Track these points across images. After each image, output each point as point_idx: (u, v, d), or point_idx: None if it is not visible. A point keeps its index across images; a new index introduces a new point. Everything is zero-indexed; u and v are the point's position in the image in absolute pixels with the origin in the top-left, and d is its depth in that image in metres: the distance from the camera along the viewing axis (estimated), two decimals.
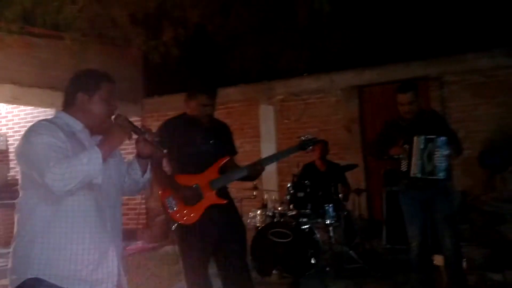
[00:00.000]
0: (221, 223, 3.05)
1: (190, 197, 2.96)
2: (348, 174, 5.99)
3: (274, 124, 7.77)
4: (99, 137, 1.99)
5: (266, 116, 7.84)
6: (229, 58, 7.89)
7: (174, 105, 8.43)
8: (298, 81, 7.68)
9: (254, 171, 3.09)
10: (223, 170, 3.09)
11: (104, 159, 1.82)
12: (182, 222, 3.00)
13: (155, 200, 8.52)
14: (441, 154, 3.58)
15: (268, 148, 7.47)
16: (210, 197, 3.01)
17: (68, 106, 1.98)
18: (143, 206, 8.56)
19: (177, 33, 6.55)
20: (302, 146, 3.28)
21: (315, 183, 5.23)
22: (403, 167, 3.73)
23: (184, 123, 3.17)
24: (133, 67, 8.35)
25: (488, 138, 6.42)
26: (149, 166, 2.13)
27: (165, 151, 2.07)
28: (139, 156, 2.07)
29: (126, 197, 8.61)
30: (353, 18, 7.25)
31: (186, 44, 6.83)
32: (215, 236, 3.04)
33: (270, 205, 5.93)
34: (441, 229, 3.72)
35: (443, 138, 3.60)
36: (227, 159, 3.13)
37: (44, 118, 2.04)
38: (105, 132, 1.97)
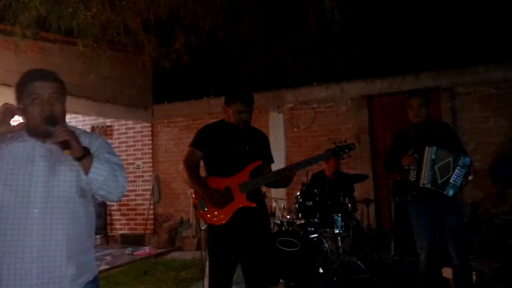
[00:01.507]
0: (250, 227, 3.10)
1: (219, 199, 3.02)
2: (357, 184, 5.98)
3: (283, 132, 7.77)
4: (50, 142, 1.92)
5: (276, 124, 7.84)
6: (239, 66, 7.91)
7: (184, 111, 8.54)
8: (308, 90, 7.70)
9: (284, 177, 3.10)
10: (254, 175, 3.14)
11: None
12: (211, 222, 3.07)
13: (163, 206, 8.55)
14: (460, 173, 3.58)
15: (277, 156, 7.38)
16: (240, 200, 3.07)
17: None
18: (151, 211, 8.59)
19: (188, 40, 6.58)
20: (337, 152, 3.29)
21: (324, 192, 5.21)
22: (412, 177, 3.72)
23: (221, 128, 3.23)
24: (144, 73, 8.41)
25: (499, 150, 6.37)
26: (94, 168, 1.87)
27: (66, 152, 1.82)
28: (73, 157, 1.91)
29: (135, 203, 8.70)
30: (364, 28, 7.25)
31: (197, 52, 6.85)
32: (243, 239, 3.08)
33: (278, 213, 5.91)
34: (450, 242, 3.69)
35: (468, 159, 3.61)
36: (259, 163, 3.18)
37: None
38: (46, 135, 1.89)
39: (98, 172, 1.88)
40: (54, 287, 1.86)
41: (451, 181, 3.58)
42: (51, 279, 1.85)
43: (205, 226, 3.13)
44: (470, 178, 3.63)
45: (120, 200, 1.89)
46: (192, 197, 3.19)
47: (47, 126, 1.86)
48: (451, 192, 3.59)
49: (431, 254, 3.75)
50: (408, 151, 3.71)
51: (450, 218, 3.70)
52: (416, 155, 3.66)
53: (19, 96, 1.92)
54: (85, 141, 1.96)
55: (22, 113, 1.90)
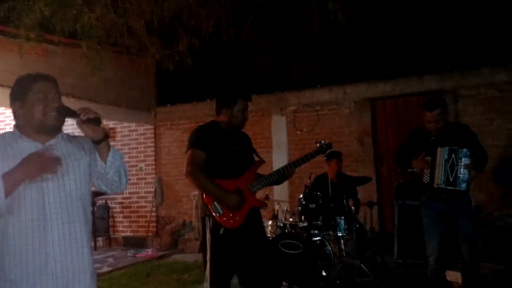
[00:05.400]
0: (256, 228, 3.14)
1: (238, 202, 2.98)
2: (360, 187, 5.96)
3: (286, 135, 7.77)
4: (50, 139, 1.93)
5: (278, 127, 7.84)
6: (242, 68, 7.91)
7: (187, 114, 8.54)
8: (311, 93, 7.69)
9: (288, 175, 3.18)
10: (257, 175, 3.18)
11: (7, 192, 1.73)
12: (228, 226, 2.99)
13: (165, 208, 8.55)
14: (463, 165, 3.61)
15: (279, 159, 7.45)
16: (251, 200, 3.08)
17: (14, 119, 1.98)
18: (154, 214, 8.58)
19: (191, 43, 6.58)
20: (323, 149, 3.36)
21: (327, 195, 5.19)
22: (425, 179, 3.72)
23: (216, 130, 3.16)
24: (147, 75, 8.43)
25: (502, 153, 6.35)
26: (112, 153, 1.91)
27: (101, 125, 1.85)
28: (93, 141, 1.91)
29: (138, 205, 8.70)
30: (367, 30, 7.25)
31: (200, 54, 6.85)
32: (249, 241, 3.06)
33: (281, 216, 5.90)
34: (462, 246, 3.70)
35: (465, 149, 3.63)
36: (262, 163, 3.22)
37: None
38: (51, 128, 1.91)
39: (115, 156, 1.92)
40: (79, 286, 1.88)
41: (459, 175, 3.62)
42: (75, 276, 1.87)
43: (222, 230, 2.98)
44: (468, 164, 3.62)
45: (123, 192, 1.87)
46: (203, 199, 3.09)
47: (58, 116, 1.89)
48: (463, 186, 3.63)
49: (440, 257, 3.74)
50: (420, 153, 3.72)
51: (462, 220, 3.71)
52: (428, 157, 3.68)
53: (23, 94, 1.92)
54: (77, 142, 2.02)
55: (25, 110, 1.91)
